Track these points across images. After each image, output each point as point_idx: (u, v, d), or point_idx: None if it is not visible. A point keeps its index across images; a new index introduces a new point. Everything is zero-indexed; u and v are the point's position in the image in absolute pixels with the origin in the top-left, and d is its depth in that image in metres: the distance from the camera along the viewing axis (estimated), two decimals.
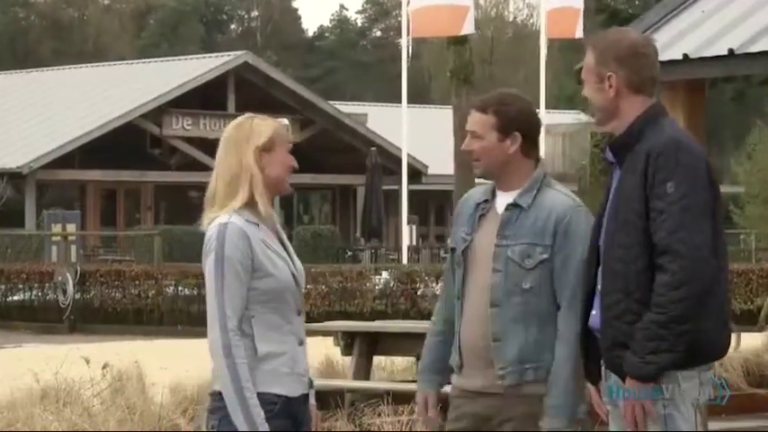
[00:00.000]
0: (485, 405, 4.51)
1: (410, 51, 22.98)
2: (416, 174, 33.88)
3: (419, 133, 33.02)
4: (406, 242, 24.90)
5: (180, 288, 21.76)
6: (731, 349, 4.59)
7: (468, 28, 22.50)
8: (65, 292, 22.34)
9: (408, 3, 22.20)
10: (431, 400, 4.64)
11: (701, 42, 8.56)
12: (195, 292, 21.28)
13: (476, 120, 4.56)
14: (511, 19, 54.53)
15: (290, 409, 4.18)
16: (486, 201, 4.58)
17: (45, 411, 8.68)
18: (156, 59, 41.60)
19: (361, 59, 71.42)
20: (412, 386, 9.12)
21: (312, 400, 4.35)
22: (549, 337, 4.44)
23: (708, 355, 4.13)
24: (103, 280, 22.34)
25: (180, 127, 35.13)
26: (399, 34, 24.62)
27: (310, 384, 4.32)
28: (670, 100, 7.84)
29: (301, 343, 4.24)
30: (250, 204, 4.23)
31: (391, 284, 21.46)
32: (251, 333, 4.17)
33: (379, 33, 75.67)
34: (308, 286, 21.33)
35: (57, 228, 28.27)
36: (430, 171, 36.26)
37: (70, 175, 34.76)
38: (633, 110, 4.20)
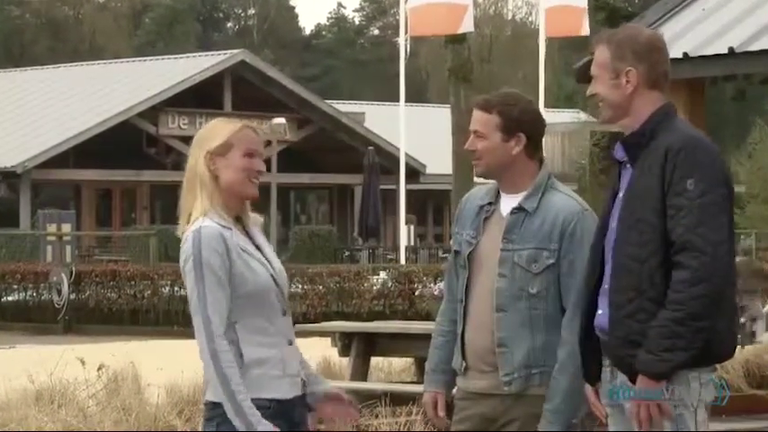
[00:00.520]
0: (489, 406, 4.51)
1: (408, 50, 22.97)
2: (414, 173, 33.90)
3: (417, 132, 33.05)
4: (403, 242, 25.02)
5: (176, 288, 21.59)
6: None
7: (466, 26, 22.48)
8: (60, 292, 22.24)
9: (406, 1, 22.24)
10: (440, 401, 4.63)
11: (702, 41, 8.60)
12: None
13: (479, 119, 4.52)
14: (510, 17, 54.56)
15: (284, 412, 4.11)
16: (489, 203, 4.55)
17: (40, 412, 8.64)
18: (151, 58, 41.61)
19: (359, 58, 71.43)
20: (410, 387, 9.35)
21: (327, 389, 4.25)
22: (557, 340, 4.44)
23: (718, 356, 4.13)
24: (99, 280, 22.26)
25: (176, 126, 35.10)
26: (397, 33, 24.61)
27: (304, 384, 4.23)
28: (670, 99, 7.79)
29: (290, 343, 4.17)
30: (216, 209, 4.12)
31: (389, 285, 21.44)
32: (236, 339, 4.08)
33: (376, 32, 75.66)
34: (306, 287, 21.31)
35: (52, 228, 28.29)
36: (428, 170, 36.28)
37: (65, 175, 34.76)
38: (646, 107, 4.19)
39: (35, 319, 22.52)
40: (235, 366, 4.01)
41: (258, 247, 4.19)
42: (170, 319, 21.40)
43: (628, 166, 4.20)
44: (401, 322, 13.58)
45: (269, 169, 28.44)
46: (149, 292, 21.81)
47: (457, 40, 23.37)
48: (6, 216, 33.21)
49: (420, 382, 8.71)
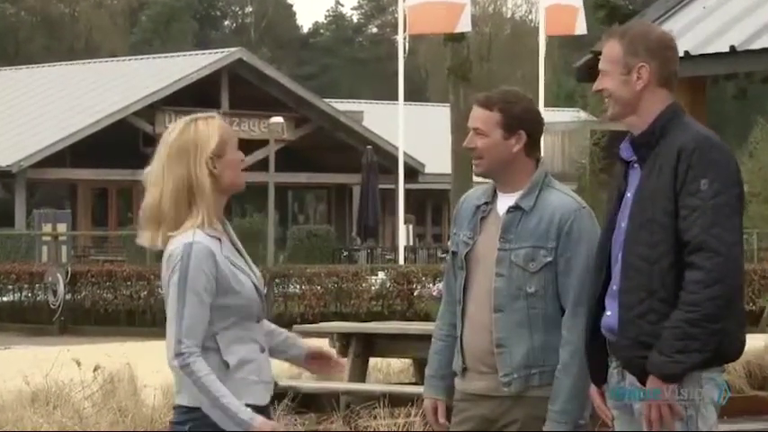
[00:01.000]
0: (489, 408, 4.50)
1: (407, 48, 22.99)
2: (413, 172, 33.96)
3: (416, 131, 33.13)
4: (402, 242, 25.08)
5: None
6: None
7: (463, 26, 22.54)
8: (55, 292, 22.21)
9: None
10: (440, 408, 4.61)
11: (703, 39, 8.63)
12: None
13: (480, 116, 4.50)
14: (509, 15, 54.52)
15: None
16: (486, 203, 4.53)
17: (35, 414, 8.63)
18: (148, 56, 41.68)
19: (357, 56, 71.44)
20: (408, 388, 9.38)
21: (308, 349, 4.32)
22: (556, 340, 4.42)
23: (727, 356, 4.11)
24: (95, 281, 22.22)
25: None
26: (396, 31, 24.65)
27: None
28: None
29: (263, 350, 4.17)
30: (211, 219, 4.08)
31: (388, 285, 21.43)
32: (216, 347, 4.08)
33: (375, 30, 75.65)
34: (304, 287, 21.30)
35: (47, 227, 28.37)
36: (427, 170, 36.30)
37: (61, 174, 34.75)
38: (655, 105, 4.15)
39: (30, 320, 22.50)
40: (211, 374, 4.01)
41: (240, 253, 4.18)
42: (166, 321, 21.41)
43: (635, 165, 4.15)
44: (400, 323, 13.66)
45: (266, 168, 28.31)
46: (146, 292, 21.75)
47: (456, 38, 23.36)
48: (1, 216, 33.19)
49: (419, 383, 8.91)
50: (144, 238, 4.13)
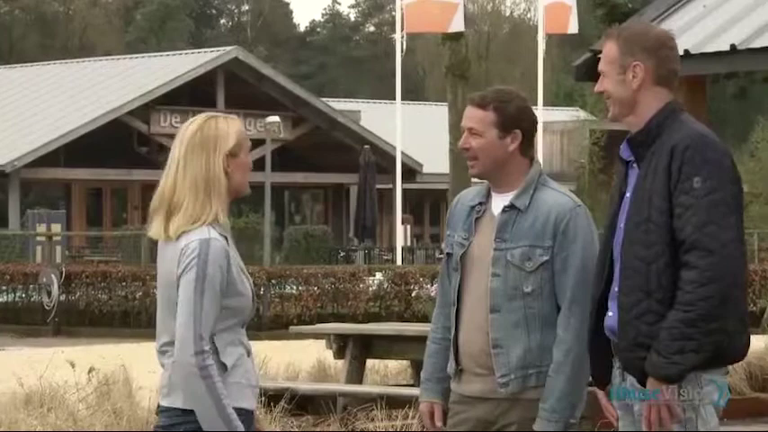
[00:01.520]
0: (486, 410, 4.48)
1: (404, 47, 22.93)
2: (411, 172, 34.09)
3: (413, 131, 33.16)
4: (400, 242, 25.15)
5: None
6: None
7: (456, 25, 22.58)
8: (49, 293, 22.13)
9: None
10: (437, 411, 4.60)
11: (703, 38, 8.62)
12: None
13: (474, 116, 4.48)
14: (508, 14, 54.49)
15: (249, 422, 4.16)
16: (480, 203, 4.53)
17: (29, 416, 8.63)
18: (143, 55, 41.73)
19: (355, 55, 71.43)
20: (406, 390, 9.33)
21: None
22: (552, 340, 4.43)
23: (729, 357, 4.09)
24: (89, 281, 22.17)
25: (168, 124, 35.08)
26: (393, 29, 24.58)
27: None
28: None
29: (249, 354, 4.22)
30: (222, 217, 4.12)
31: (385, 286, 21.41)
32: (215, 349, 4.09)
33: (372, 28, 75.68)
34: (300, 288, 21.28)
35: (41, 228, 28.44)
36: (425, 169, 36.36)
37: (55, 174, 34.76)
38: (652, 104, 4.15)
39: (24, 321, 22.45)
40: (221, 381, 4.02)
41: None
42: None
43: (634, 165, 4.15)
44: (397, 324, 13.70)
45: (263, 168, 28.19)
46: (141, 293, 21.70)
47: (454, 37, 23.27)
48: None
49: (416, 384, 8.83)
50: (152, 230, 4.12)
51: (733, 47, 8.36)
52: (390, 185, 29.21)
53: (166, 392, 4.08)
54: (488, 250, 4.45)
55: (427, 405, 4.60)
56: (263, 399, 8.54)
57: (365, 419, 8.73)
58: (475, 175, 4.51)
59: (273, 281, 20.97)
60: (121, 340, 18.98)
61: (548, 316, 4.42)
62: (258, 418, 4.39)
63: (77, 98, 35.86)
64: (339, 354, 9.83)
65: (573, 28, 23.64)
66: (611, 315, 4.14)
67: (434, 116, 37.25)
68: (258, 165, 29.22)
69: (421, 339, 5.36)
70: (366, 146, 32.26)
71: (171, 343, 4.05)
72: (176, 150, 4.13)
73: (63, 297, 22.03)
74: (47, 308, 22.05)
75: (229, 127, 4.12)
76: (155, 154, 36.02)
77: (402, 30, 22.58)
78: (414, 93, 48.27)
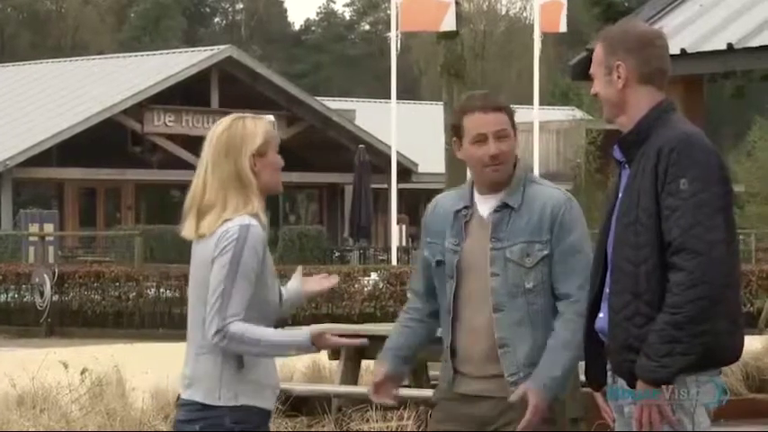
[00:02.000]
0: (485, 409, 4.50)
1: (399, 45, 22.90)
2: (406, 172, 34.16)
3: (409, 130, 33.19)
4: (395, 242, 25.21)
5: (161, 290, 21.60)
6: None
7: (448, 24, 22.59)
8: (42, 294, 22.08)
9: None
10: (389, 379, 4.58)
11: (699, 37, 8.62)
12: (177, 294, 21.17)
13: (500, 119, 4.51)
14: (503, 12, 54.48)
15: (266, 425, 4.20)
16: (466, 207, 4.53)
17: (21, 417, 8.62)
18: (137, 54, 41.77)
19: (349, 54, 71.45)
20: (403, 391, 8.95)
21: (300, 284, 4.50)
22: None
23: (720, 359, 4.08)
24: (82, 281, 22.11)
25: (162, 123, 35.06)
26: (388, 28, 24.50)
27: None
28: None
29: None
30: (261, 209, 4.22)
31: (380, 286, 21.34)
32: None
33: (367, 27, 75.70)
34: None
35: (34, 228, 28.54)
36: (420, 169, 36.43)
37: (48, 174, 34.72)
38: (641, 103, 4.15)
39: (17, 322, 22.37)
40: (248, 327, 4.05)
41: None
42: (155, 322, 21.38)
43: (626, 166, 4.18)
44: (393, 325, 13.32)
45: None
46: (134, 293, 21.73)
47: (449, 35, 23.20)
48: None
49: (412, 385, 8.85)
50: (185, 230, 4.20)
51: (729, 45, 8.37)
52: (385, 185, 29.20)
53: (188, 383, 4.10)
54: (483, 252, 4.46)
55: (380, 370, 4.60)
56: None
57: (360, 420, 8.73)
58: (498, 180, 4.48)
59: None
60: (114, 341, 18.96)
61: (549, 312, 4.45)
62: None
63: (70, 97, 35.87)
64: (334, 355, 9.76)
65: (563, 26, 23.68)
66: (602, 317, 4.16)
67: (430, 115, 37.22)
68: None
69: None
70: (361, 145, 32.23)
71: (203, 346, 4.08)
72: (206, 152, 4.21)
73: (56, 297, 21.97)
74: (39, 308, 22.00)
75: (257, 127, 4.22)
76: (148, 153, 36.03)
77: (397, 28, 22.55)
78: (409, 92, 48.21)
